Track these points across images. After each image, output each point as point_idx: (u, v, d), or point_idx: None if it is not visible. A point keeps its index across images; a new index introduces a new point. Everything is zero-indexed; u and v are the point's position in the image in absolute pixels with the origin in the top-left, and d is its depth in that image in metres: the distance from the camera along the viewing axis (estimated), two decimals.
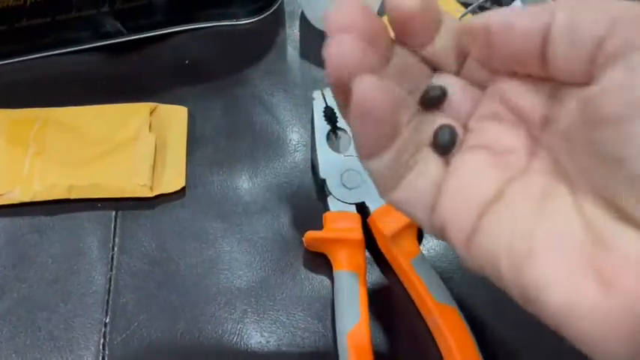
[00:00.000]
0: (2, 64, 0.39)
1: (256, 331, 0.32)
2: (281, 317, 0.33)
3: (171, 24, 0.41)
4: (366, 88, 0.18)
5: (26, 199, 0.34)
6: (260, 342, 0.32)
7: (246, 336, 0.32)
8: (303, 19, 0.43)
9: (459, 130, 0.21)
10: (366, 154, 0.20)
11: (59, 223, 0.35)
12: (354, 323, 0.30)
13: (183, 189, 0.36)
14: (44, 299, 0.33)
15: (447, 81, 0.21)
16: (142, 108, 0.37)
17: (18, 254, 0.34)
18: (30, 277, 0.33)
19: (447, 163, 0.20)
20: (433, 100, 0.21)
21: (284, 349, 0.32)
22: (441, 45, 0.21)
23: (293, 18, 0.44)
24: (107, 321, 0.32)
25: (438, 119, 0.21)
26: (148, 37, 0.41)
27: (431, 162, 0.20)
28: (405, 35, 0.20)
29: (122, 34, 0.40)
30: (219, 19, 0.42)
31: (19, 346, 0.31)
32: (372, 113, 0.19)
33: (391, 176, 0.20)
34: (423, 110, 0.21)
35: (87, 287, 0.33)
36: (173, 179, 0.35)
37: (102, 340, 0.32)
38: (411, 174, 0.20)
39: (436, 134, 0.21)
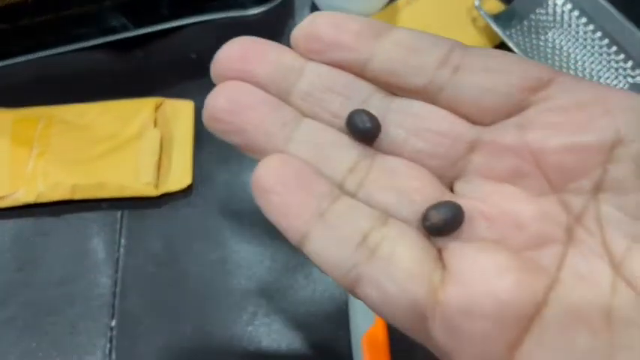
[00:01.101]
0: (6, 64, 0.38)
1: (267, 334, 0.31)
2: (293, 319, 0.31)
3: (177, 17, 0.40)
4: (264, 174, 0.15)
5: (30, 200, 0.33)
6: (271, 345, 0.30)
7: (256, 339, 0.31)
8: (314, 9, 0.42)
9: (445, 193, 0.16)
10: (292, 238, 0.15)
11: (64, 224, 0.34)
12: (370, 325, 0.29)
13: (189, 187, 0.34)
14: (50, 303, 0.32)
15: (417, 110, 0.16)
16: (146, 104, 0.36)
17: (23, 257, 0.33)
18: (35, 280, 0.32)
19: (427, 240, 0.15)
20: (364, 135, 0.16)
21: (296, 352, 0.30)
22: (385, 58, 0.16)
23: (303, 7, 0.42)
24: (113, 325, 0.31)
25: (401, 168, 0.16)
26: (153, 32, 0.40)
27: (400, 241, 0.15)
28: (322, 53, 0.17)
29: (127, 29, 0.39)
30: (226, 10, 0.41)
31: (25, 350, 0.31)
32: (278, 195, 0.15)
33: (344, 262, 0.15)
34: (372, 151, 0.17)
35: (93, 290, 0.32)
36: (179, 177, 0.34)
37: (108, 345, 0.31)
38: (376, 259, 0.15)
39: (426, 214, 0.15)
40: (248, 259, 0.33)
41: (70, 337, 0.31)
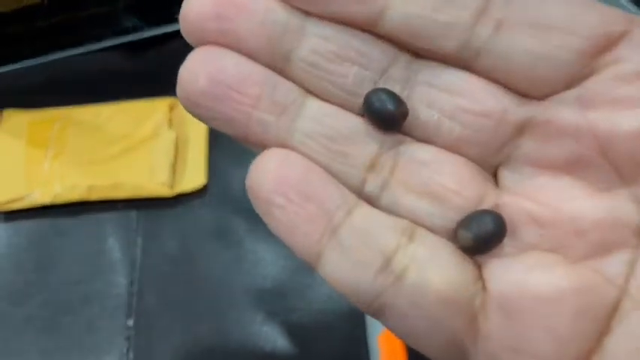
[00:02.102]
0: (21, 66, 0.39)
1: (283, 334, 0.31)
2: (309, 318, 0.31)
3: None
4: (263, 185, 0.12)
5: (47, 201, 0.33)
6: (287, 345, 0.30)
7: (272, 338, 0.31)
8: None
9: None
10: (303, 258, 0.13)
11: (80, 225, 0.34)
12: None
13: (204, 187, 0.34)
14: (67, 303, 0.32)
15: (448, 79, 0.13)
16: (161, 104, 0.36)
17: (40, 258, 0.33)
18: (52, 280, 0.33)
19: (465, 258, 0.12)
20: (387, 122, 0.13)
21: (313, 352, 0.30)
22: (402, 12, 0.12)
23: None
24: (131, 324, 0.31)
25: (433, 161, 0.13)
26: (166, 32, 0.40)
27: (431, 262, 0.12)
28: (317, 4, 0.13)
29: (141, 30, 0.39)
30: None
31: (43, 350, 0.31)
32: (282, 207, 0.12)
33: (365, 290, 0.12)
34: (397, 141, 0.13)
35: (110, 290, 0.32)
36: (194, 177, 0.34)
37: (126, 344, 0.31)
38: (403, 286, 0.12)
39: (463, 225, 0.12)
40: (263, 258, 0.33)
41: (88, 337, 0.31)
